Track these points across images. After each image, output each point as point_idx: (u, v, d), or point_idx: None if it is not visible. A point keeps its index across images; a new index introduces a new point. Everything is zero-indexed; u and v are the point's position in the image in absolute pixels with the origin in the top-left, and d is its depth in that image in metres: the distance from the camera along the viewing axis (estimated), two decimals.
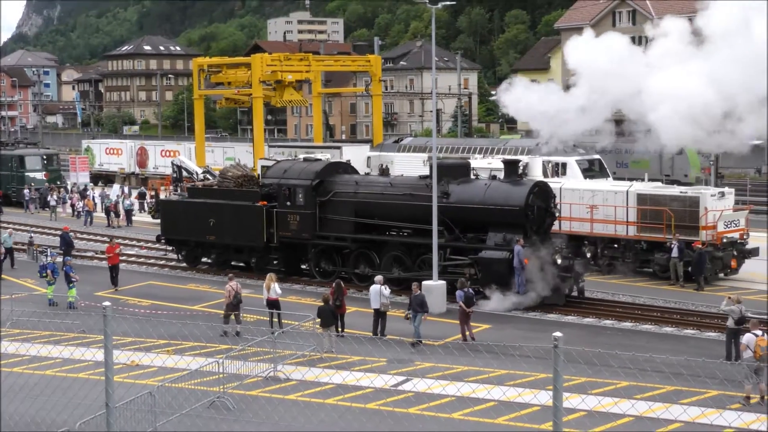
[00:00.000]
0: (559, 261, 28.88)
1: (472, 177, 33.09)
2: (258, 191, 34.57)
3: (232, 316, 26.65)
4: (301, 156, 46.99)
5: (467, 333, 25.76)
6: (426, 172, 39.89)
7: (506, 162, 32.32)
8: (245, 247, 34.94)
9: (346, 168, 35.45)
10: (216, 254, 36.27)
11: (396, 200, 31.50)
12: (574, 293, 30.04)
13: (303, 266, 34.99)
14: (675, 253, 31.82)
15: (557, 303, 29.12)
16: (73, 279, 30.55)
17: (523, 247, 28.42)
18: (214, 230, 35.08)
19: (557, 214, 31.70)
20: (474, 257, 29.79)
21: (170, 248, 38.88)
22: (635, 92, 27.80)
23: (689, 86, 26.17)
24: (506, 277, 28.84)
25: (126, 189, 59.19)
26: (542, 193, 30.36)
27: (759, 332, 20.04)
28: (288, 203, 33.24)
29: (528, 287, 28.65)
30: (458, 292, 26.26)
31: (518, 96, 31.23)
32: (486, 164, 41.18)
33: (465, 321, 25.83)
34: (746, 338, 20.00)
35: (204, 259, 37.02)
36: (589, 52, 29.90)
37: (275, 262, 34.32)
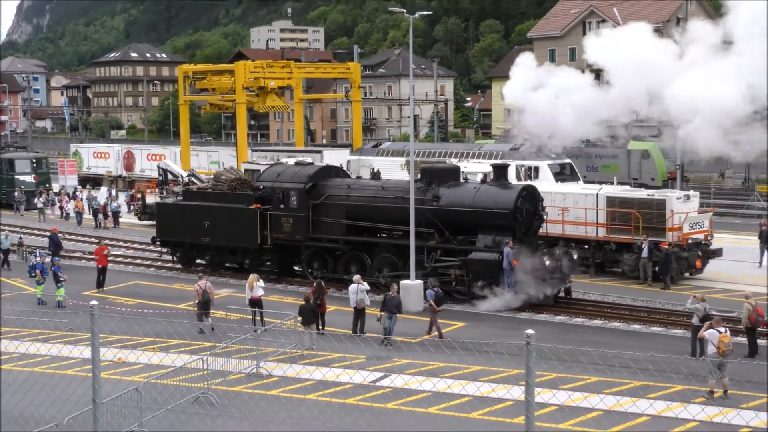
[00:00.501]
0: (547, 262, 28.79)
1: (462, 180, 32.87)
2: (252, 194, 34.34)
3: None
4: (292, 160, 47.03)
5: (435, 328, 26.08)
6: (405, 175, 40.01)
7: (495, 166, 32.22)
8: (239, 248, 34.66)
9: (338, 172, 35.21)
10: (210, 256, 35.95)
11: (388, 203, 31.27)
12: (561, 294, 29.91)
13: (296, 267, 34.74)
14: (645, 253, 31.93)
15: (545, 303, 29.01)
16: (61, 279, 30.38)
17: (512, 249, 28.30)
18: (208, 232, 34.83)
19: (545, 217, 31.52)
20: (464, 258, 29.62)
21: (164, 250, 38.39)
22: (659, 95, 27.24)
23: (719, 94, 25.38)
24: (496, 278, 28.70)
25: (113, 191, 58.88)
26: (530, 197, 30.23)
27: (722, 329, 20.15)
28: (281, 206, 33.01)
29: (517, 288, 28.47)
30: (429, 291, 26.76)
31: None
32: (462, 168, 41.14)
33: (435, 318, 26.09)
34: (709, 334, 20.11)
35: (198, 261, 36.65)
36: (614, 47, 29.20)
37: (268, 263, 34.09)
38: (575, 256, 30.53)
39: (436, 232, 30.22)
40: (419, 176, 31.89)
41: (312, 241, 32.74)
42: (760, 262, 35.63)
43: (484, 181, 39.16)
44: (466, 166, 41.97)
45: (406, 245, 30.58)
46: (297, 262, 34.28)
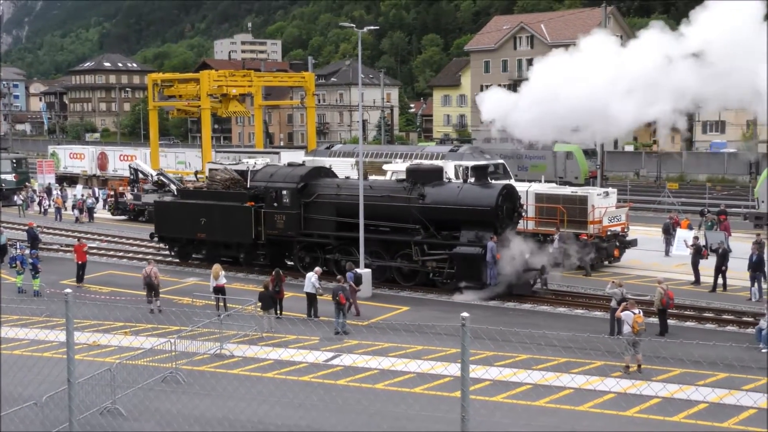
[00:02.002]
0: (526, 256, 28.51)
1: (446, 180, 32.29)
2: (246, 193, 33.77)
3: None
4: (252, 161, 46.71)
5: (354, 306, 26.28)
6: (355, 174, 39.85)
7: (475, 167, 32.05)
8: (234, 243, 34.04)
9: (328, 172, 34.53)
10: (206, 250, 35.23)
11: (375, 201, 30.61)
12: (537, 285, 29.59)
13: (288, 262, 33.87)
14: (556, 244, 31.93)
15: (524, 293, 28.75)
16: (39, 270, 29.92)
17: (495, 243, 27.99)
18: (205, 228, 34.20)
19: (524, 214, 31.23)
20: (449, 253, 29.17)
21: (162, 245, 37.64)
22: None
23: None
24: (479, 271, 28.25)
25: (97, 190, 58.12)
26: (509, 195, 29.85)
27: (636, 310, 20.43)
28: (275, 204, 32.42)
29: (498, 279, 28.18)
30: (348, 274, 26.86)
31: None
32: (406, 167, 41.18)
33: (354, 297, 26.30)
34: (625, 315, 20.39)
35: (195, 255, 35.90)
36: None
37: (262, 258, 33.32)
38: (550, 250, 30.31)
39: (422, 228, 29.81)
40: (405, 176, 31.43)
41: (303, 236, 32.17)
42: (666, 251, 36.20)
43: None
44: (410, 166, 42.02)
45: (393, 240, 30.44)
46: (288, 256, 33.58)
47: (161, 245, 37.99)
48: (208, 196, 34.87)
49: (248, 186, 35.30)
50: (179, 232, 35.53)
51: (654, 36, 24.28)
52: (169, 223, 35.89)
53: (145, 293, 27.42)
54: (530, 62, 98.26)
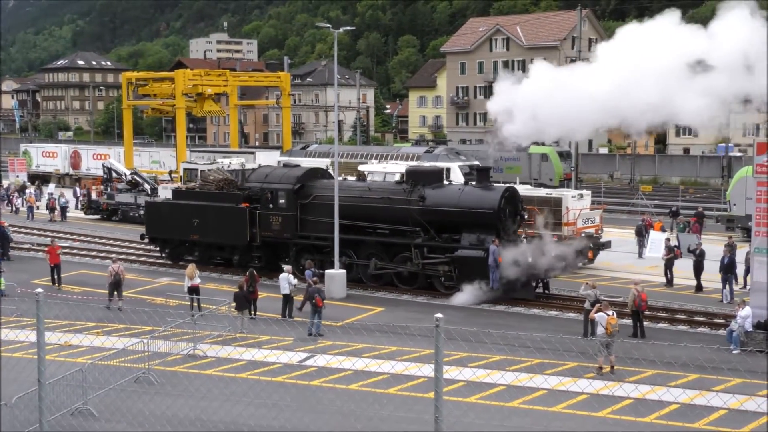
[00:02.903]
0: (529, 259, 27.93)
1: (445, 183, 31.82)
2: (240, 194, 33.21)
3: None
4: (227, 160, 46.49)
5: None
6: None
7: (478, 169, 31.41)
8: (228, 245, 33.43)
9: (324, 173, 34.05)
10: (199, 252, 34.56)
11: (374, 203, 30.28)
12: (539, 289, 29.28)
13: (284, 265, 33.37)
14: None
15: (527, 297, 28.43)
16: (2, 270, 29.58)
17: (497, 247, 27.53)
18: (198, 230, 33.61)
19: (525, 216, 30.69)
20: (451, 256, 28.66)
21: (153, 246, 36.92)
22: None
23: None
24: (482, 274, 27.71)
25: (78, 190, 57.56)
26: (512, 198, 29.42)
27: (610, 312, 20.55)
28: (270, 205, 31.85)
29: (501, 283, 27.64)
30: (307, 272, 26.85)
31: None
32: (381, 168, 41.27)
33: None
34: (598, 317, 20.51)
35: (187, 257, 34.92)
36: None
37: (257, 260, 32.48)
38: (553, 253, 29.61)
39: (422, 231, 29.39)
40: (404, 178, 31.01)
41: (300, 238, 31.66)
42: (639, 253, 36.47)
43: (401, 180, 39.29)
44: (385, 167, 42.09)
45: (392, 242, 29.96)
46: (284, 259, 32.72)
47: (152, 246, 37.13)
48: (201, 197, 34.22)
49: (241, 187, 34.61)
50: (171, 233, 34.81)
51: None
52: (160, 224, 35.14)
53: (107, 292, 27.26)
54: (506, 64, 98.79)
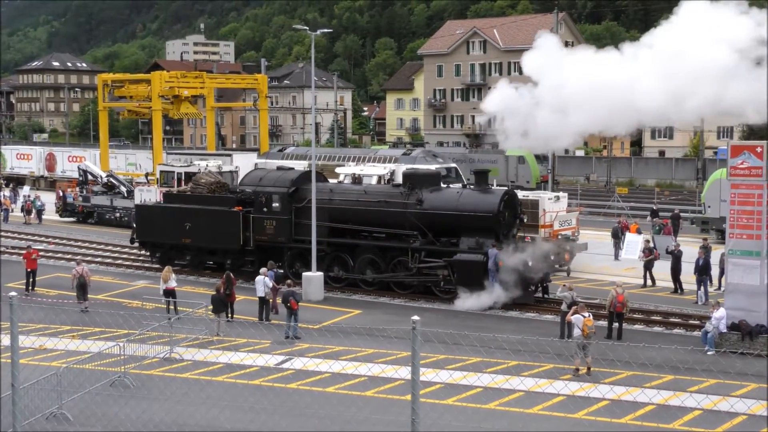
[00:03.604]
0: (530, 263, 27.55)
1: (442, 186, 31.13)
2: (234, 197, 32.84)
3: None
4: (204, 163, 46.30)
5: (274, 305, 26.26)
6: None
7: (476, 172, 31.08)
8: (220, 249, 32.92)
9: (319, 177, 33.31)
10: (191, 256, 34.19)
11: (371, 206, 29.95)
12: (538, 293, 29.01)
13: (279, 270, 32.94)
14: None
15: (527, 302, 28.09)
16: None
17: (498, 251, 27.31)
18: (189, 234, 33.07)
19: (525, 220, 30.60)
20: (449, 260, 28.32)
21: (143, 250, 36.37)
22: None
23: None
24: (481, 279, 27.45)
25: (61, 191, 57.06)
26: (511, 201, 29.23)
27: (586, 314, 20.68)
28: (264, 209, 31.40)
29: (501, 287, 27.32)
30: (269, 272, 26.84)
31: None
32: (359, 170, 41.28)
33: (274, 295, 26.31)
34: (575, 318, 20.63)
35: (177, 261, 34.42)
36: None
37: (250, 265, 31.99)
38: (551, 257, 29.40)
39: (420, 235, 29.11)
40: (402, 181, 30.74)
41: (295, 242, 31.14)
42: (615, 255, 36.69)
43: (379, 182, 39.30)
44: (362, 169, 42.09)
45: (389, 246, 29.63)
46: (277, 263, 32.12)
47: (142, 251, 36.57)
48: (193, 200, 33.70)
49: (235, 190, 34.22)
50: (162, 237, 34.26)
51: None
52: (151, 227, 34.54)
53: (75, 294, 27.30)
54: (483, 67, 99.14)
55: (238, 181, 35.58)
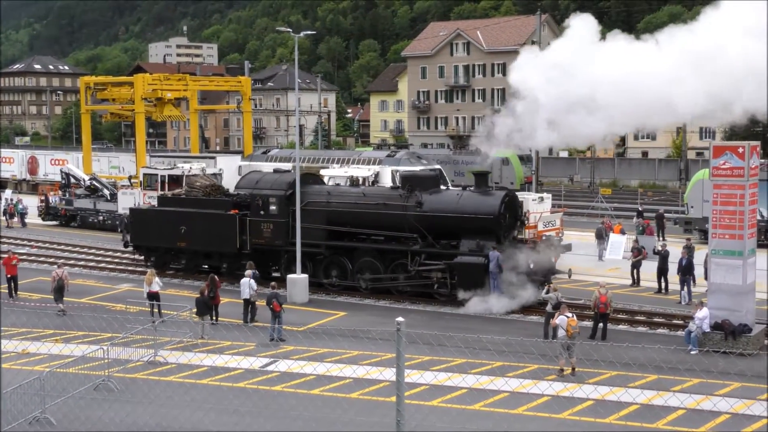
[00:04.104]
0: (531, 266, 27.36)
1: (443, 188, 31.26)
2: (229, 200, 32.48)
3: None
4: (188, 165, 46.16)
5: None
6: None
7: (476, 174, 30.73)
8: (216, 253, 32.36)
9: (316, 179, 33.46)
10: (186, 260, 33.76)
11: (370, 209, 29.56)
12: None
13: (275, 273, 32.06)
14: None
15: (530, 305, 27.64)
16: None
17: (499, 253, 27.00)
18: (185, 237, 32.65)
19: (527, 222, 30.32)
20: (450, 262, 28.00)
21: (138, 254, 35.91)
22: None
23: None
24: (482, 282, 27.16)
25: (45, 195, 56.73)
26: (512, 203, 28.99)
27: (570, 314, 20.76)
28: (261, 212, 30.97)
29: (502, 290, 27.02)
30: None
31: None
32: (343, 172, 41.29)
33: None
34: (559, 320, 20.70)
35: (173, 265, 34.18)
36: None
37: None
38: (553, 260, 29.34)
39: (419, 237, 28.77)
40: (400, 183, 30.47)
41: (292, 246, 30.38)
42: (599, 256, 36.82)
43: (363, 183, 39.28)
44: (347, 171, 42.12)
45: (388, 249, 29.40)
46: (272, 266, 32.09)
47: (137, 255, 36.12)
48: (188, 204, 33.30)
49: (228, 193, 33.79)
50: (157, 241, 33.83)
51: None
52: (146, 231, 34.11)
53: (53, 297, 27.25)
54: (467, 68, 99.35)
55: (235, 184, 35.08)
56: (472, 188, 30.09)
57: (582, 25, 24.91)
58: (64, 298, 27.41)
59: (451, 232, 28.56)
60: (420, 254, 28.78)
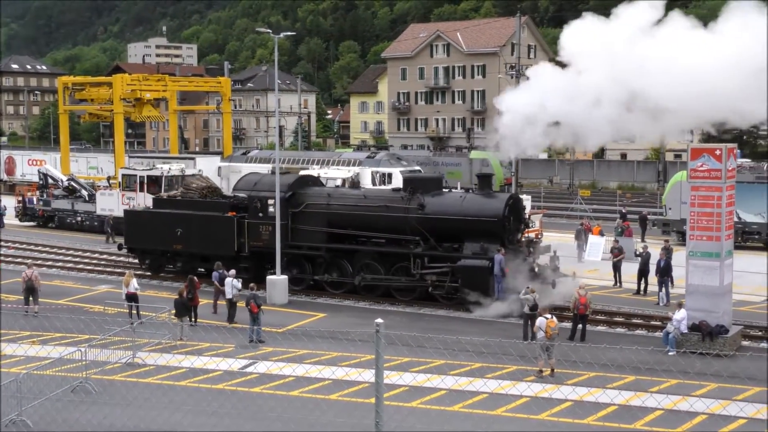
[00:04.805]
0: (536, 269, 27.28)
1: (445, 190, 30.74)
2: (227, 202, 32.10)
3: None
4: (167, 166, 45.96)
5: (214, 306, 26.80)
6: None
7: (481, 176, 30.56)
8: (214, 256, 30.93)
9: (316, 181, 33.01)
10: (182, 262, 33.17)
11: (371, 211, 29.18)
12: None
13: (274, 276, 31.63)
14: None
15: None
16: None
17: (504, 256, 26.67)
18: (181, 240, 32.03)
19: (531, 225, 29.77)
20: (454, 265, 27.68)
21: (132, 256, 35.35)
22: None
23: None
24: (486, 285, 26.94)
25: (24, 196, 56.25)
26: (515, 205, 28.65)
27: (549, 315, 20.84)
28: (260, 214, 30.47)
29: (506, 294, 26.61)
30: (214, 273, 26.88)
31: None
32: (323, 174, 41.26)
33: (217, 296, 26.68)
34: (539, 321, 20.79)
35: (169, 267, 33.68)
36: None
37: (244, 271, 30.64)
38: (557, 262, 29.36)
39: (421, 240, 28.44)
40: (402, 185, 30.26)
41: (291, 248, 30.26)
42: (579, 257, 36.99)
43: (342, 185, 39.25)
44: (327, 172, 42.10)
45: (389, 252, 29.09)
46: (270, 269, 31.29)
47: (131, 257, 35.53)
48: (185, 205, 32.79)
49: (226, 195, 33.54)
50: (152, 243, 33.31)
51: None
52: (141, 233, 33.59)
53: (23, 297, 27.18)
54: (446, 70, 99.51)
55: (232, 186, 34.63)
56: (474, 190, 29.78)
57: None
58: (39, 299, 27.20)
59: (454, 234, 28.25)
60: (423, 257, 28.41)
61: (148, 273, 33.88)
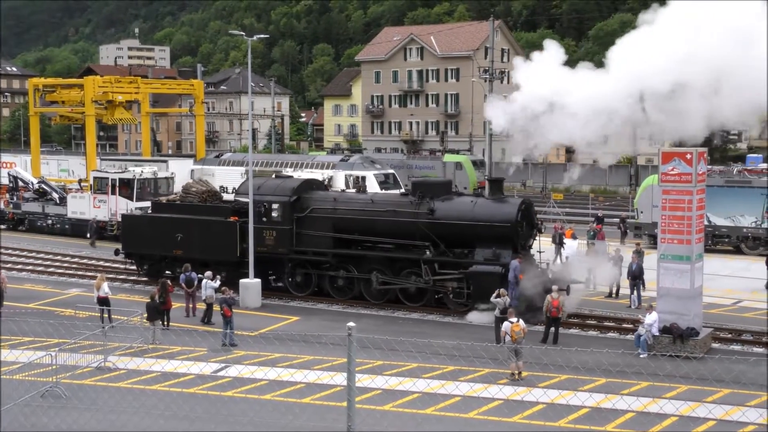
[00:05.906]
0: (550, 275, 26.76)
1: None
2: (229, 207, 31.50)
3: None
4: (139, 169, 45.71)
5: (190, 308, 26.80)
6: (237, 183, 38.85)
7: (491, 180, 30.11)
8: (215, 261, 30.34)
9: (320, 185, 32.51)
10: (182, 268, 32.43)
11: (379, 216, 28.67)
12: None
13: (279, 283, 31.45)
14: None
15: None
16: None
17: (519, 263, 26.08)
18: (181, 245, 31.29)
19: (543, 230, 29.49)
20: (466, 271, 27.12)
21: (129, 262, 34.59)
22: None
23: None
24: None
25: None
26: (528, 210, 28.11)
27: (514, 319, 20.92)
28: (264, 219, 29.72)
29: (520, 300, 25.69)
30: (181, 276, 26.80)
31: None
32: (296, 176, 41.12)
33: (188, 299, 26.75)
34: (504, 326, 20.92)
35: (167, 272, 32.16)
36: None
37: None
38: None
39: (431, 245, 27.90)
40: (410, 189, 29.82)
41: (296, 254, 29.75)
42: (556, 260, 37.08)
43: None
44: (300, 175, 42.00)
45: (396, 258, 28.59)
46: (272, 275, 31.13)
47: (128, 262, 34.73)
48: (185, 210, 32.06)
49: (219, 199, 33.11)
50: (151, 248, 32.58)
51: None
52: (139, 238, 32.83)
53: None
54: (420, 73, 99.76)
55: (235, 190, 33.99)
56: (484, 194, 29.39)
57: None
58: (4, 302, 26.97)
59: (465, 240, 27.71)
60: (433, 263, 27.96)
61: (145, 278, 33.28)
